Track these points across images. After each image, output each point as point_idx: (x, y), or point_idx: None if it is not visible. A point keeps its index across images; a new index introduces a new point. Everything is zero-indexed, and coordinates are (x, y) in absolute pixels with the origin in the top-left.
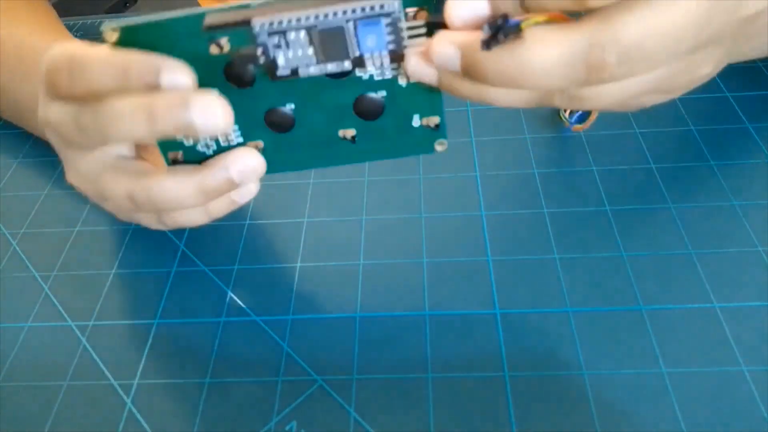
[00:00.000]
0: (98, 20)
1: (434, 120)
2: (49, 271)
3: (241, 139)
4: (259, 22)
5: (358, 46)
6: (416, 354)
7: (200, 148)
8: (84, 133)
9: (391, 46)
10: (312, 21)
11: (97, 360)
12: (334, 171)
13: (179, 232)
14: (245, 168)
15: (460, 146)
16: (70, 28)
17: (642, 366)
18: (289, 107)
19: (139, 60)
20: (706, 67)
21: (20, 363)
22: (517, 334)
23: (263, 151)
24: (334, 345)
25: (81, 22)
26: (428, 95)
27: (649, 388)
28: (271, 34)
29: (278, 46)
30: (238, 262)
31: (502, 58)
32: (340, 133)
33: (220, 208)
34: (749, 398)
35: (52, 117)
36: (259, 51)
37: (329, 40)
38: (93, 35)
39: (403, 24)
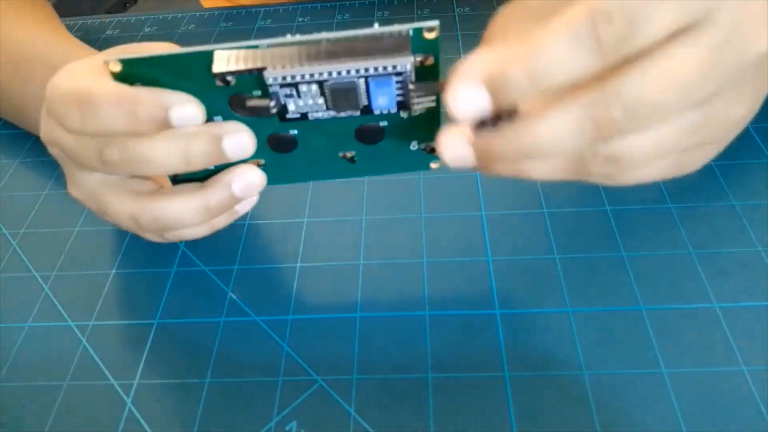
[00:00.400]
0: (98, 20)
1: (431, 145)
2: (49, 271)
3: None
4: (271, 75)
5: (369, 102)
6: (416, 354)
7: None
8: (109, 166)
9: (399, 98)
10: (324, 76)
11: (97, 360)
12: None
13: None
14: (247, 184)
15: None
16: (70, 28)
17: (642, 366)
18: (292, 132)
19: (147, 98)
20: (739, 107)
21: (20, 363)
22: (517, 334)
23: (264, 167)
24: (334, 345)
25: (81, 22)
26: (428, 124)
27: (649, 388)
28: (283, 86)
29: (289, 96)
30: (238, 262)
31: (508, 138)
32: (340, 154)
33: (222, 220)
34: (749, 398)
35: (65, 144)
36: (272, 103)
37: (340, 94)
38: (93, 35)
39: (413, 86)
